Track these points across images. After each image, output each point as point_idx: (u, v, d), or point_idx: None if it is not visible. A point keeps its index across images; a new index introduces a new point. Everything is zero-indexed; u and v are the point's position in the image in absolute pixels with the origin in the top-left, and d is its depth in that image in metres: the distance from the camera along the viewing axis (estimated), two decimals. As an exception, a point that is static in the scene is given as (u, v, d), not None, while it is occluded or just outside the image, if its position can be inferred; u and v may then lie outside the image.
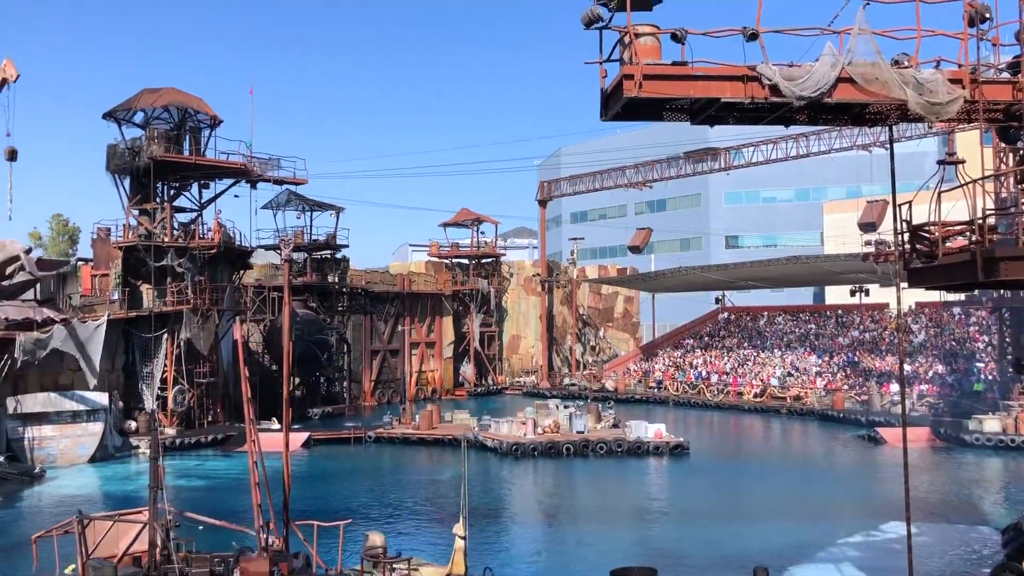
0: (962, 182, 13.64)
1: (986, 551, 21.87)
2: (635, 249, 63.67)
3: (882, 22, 12.76)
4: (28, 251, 37.77)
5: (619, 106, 12.37)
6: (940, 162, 15.87)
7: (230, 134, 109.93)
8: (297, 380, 53.61)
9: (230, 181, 46.79)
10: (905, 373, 45.71)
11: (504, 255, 74.38)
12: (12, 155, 32.99)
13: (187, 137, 44.91)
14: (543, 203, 71.96)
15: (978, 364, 50.94)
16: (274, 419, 42.26)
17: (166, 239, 43.74)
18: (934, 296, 54.69)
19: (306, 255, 57.31)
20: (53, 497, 30.39)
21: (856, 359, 56.69)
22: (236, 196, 48.27)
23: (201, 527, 21.23)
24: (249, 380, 18.33)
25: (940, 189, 13.61)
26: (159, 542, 16.38)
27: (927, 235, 13.79)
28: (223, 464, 37.26)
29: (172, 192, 45.34)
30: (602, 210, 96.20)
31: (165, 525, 16.51)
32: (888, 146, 16.09)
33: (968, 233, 13.35)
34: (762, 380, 57.26)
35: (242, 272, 50.36)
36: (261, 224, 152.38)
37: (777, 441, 46.59)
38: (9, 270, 36.44)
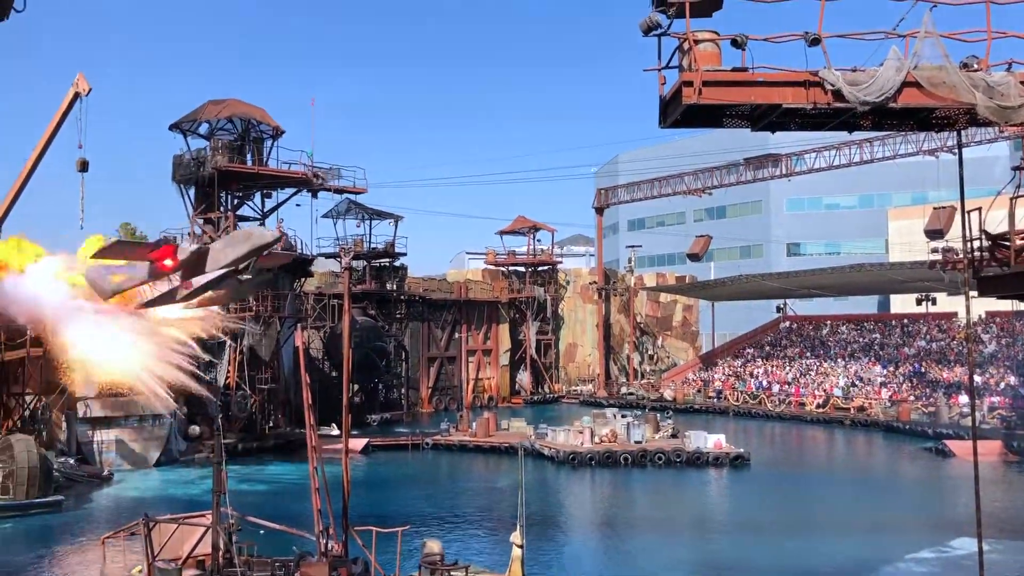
0: (1036, 188, 13.21)
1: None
2: (694, 257, 63.00)
3: (950, 24, 12.43)
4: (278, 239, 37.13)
5: (678, 113, 12.25)
6: (1016, 168, 15.42)
7: (291, 144, 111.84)
8: (356, 387, 54.19)
9: (292, 190, 47.60)
10: (975, 384, 44.45)
11: (561, 263, 74.25)
12: (84, 166, 33.99)
13: (250, 147, 45.81)
14: (600, 210, 71.68)
15: (1052, 375, 49.25)
16: (334, 425, 42.77)
17: (230, 247, 44.59)
18: (1006, 305, 53.01)
19: (365, 263, 57.97)
20: (120, 499, 31.19)
21: (923, 369, 55.25)
22: (297, 205, 49.33)
23: (262, 531, 21.57)
24: (309, 386, 18.56)
25: (1016, 195, 13.22)
26: (222, 545, 16.68)
27: (1006, 243, 13.37)
28: (284, 469, 37.80)
29: (235, 201, 46.28)
30: (660, 217, 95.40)
31: (228, 529, 16.80)
32: (956, 151, 15.68)
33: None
34: (825, 390, 56.14)
35: (303, 280, 51.11)
36: (321, 233, 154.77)
37: (840, 453, 45.62)
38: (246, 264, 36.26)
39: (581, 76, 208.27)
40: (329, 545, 16.97)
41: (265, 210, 47.52)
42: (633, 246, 76.30)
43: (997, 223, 13.09)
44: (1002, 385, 49.68)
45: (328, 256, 56.12)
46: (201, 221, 45.58)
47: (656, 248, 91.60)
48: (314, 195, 48.58)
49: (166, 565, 16.76)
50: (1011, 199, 12.92)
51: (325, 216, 57.00)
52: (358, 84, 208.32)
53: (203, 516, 18.83)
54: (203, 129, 45.87)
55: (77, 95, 33.67)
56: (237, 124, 45.65)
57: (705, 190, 61.99)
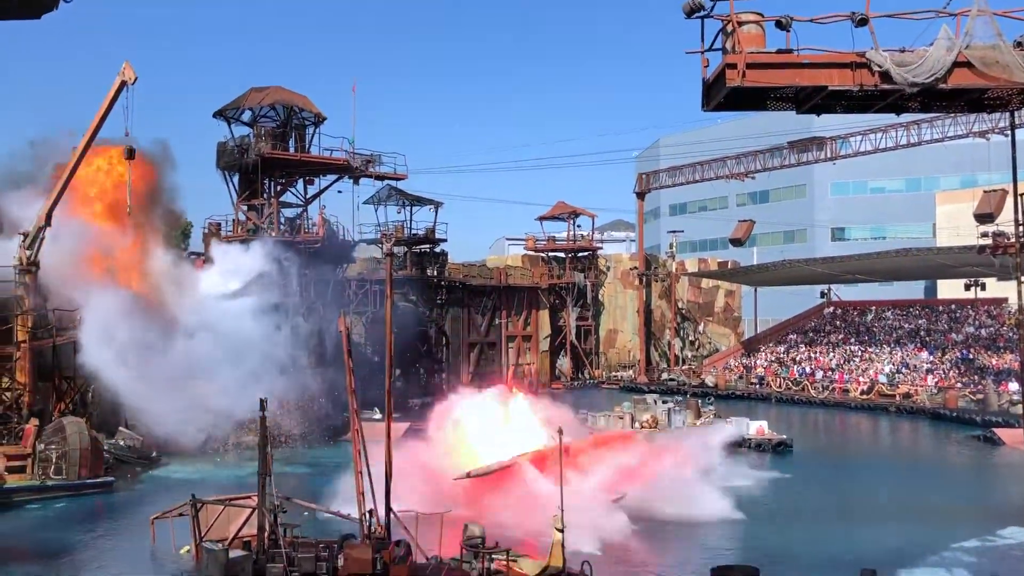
0: (1091, 170, 12.89)
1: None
2: (737, 242, 62.33)
3: (1003, 2, 12.15)
4: None
5: (721, 96, 12.13)
6: (1066, 149, 15.04)
7: (333, 131, 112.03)
8: (398, 371, 54.56)
9: (333, 177, 47.90)
10: (1025, 371, 43.49)
11: (601, 248, 73.93)
12: (131, 154, 34.61)
13: (292, 134, 46.17)
14: (641, 195, 71.20)
15: (1106, 362, 48.07)
16: (376, 409, 43.15)
17: (273, 233, 45.11)
18: (1058, 290, 51.78)
19: (406, 249, 58.22)
20: (169, 481, 31.83)
21: (971, 356, 54.23)
22: (339, 192, 49.44)
23: (307, 513, 21.91)
24: (352, 371, 18.77)
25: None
26: (267, 527, 16.97)
27: (1051, 226, 13.08)
28: (328, 452, 38.27)
29: (278, 188, 46.72)
30: (702, 202, 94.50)
31: (273, 510, 17.08)
32: (1008, 133, 15.32)
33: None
34: (870, 377, 55.37)
35: (345, 266, 51.52)
36: (363, 219, 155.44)
37: (886, 440, 45.02)
38: None
39: (623, 59, 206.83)
40: (372, 527, 17.18)
41: (307, 196, 47.93)
42: (675, 231, 75.68)
43: (1050, 206, 12.80)
44: (1054, 372, 48.66)
45: (370, 242, 56.43)
46: (245, 207, 46.11)
47: (698, 233, 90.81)
48: (355, 182, 48.86)
49: (213, 545, 17.10)
50: (1065, 181, 12.60)
51: (366, 202, 57.32)
52: (399, 70, 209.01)
53: (249, 498, 19.19)
54: (246, 116, 46.32)
55: (124, 83, 34.20)
56: (280, 111, 46.02)
57: (748, 174, 61.27)
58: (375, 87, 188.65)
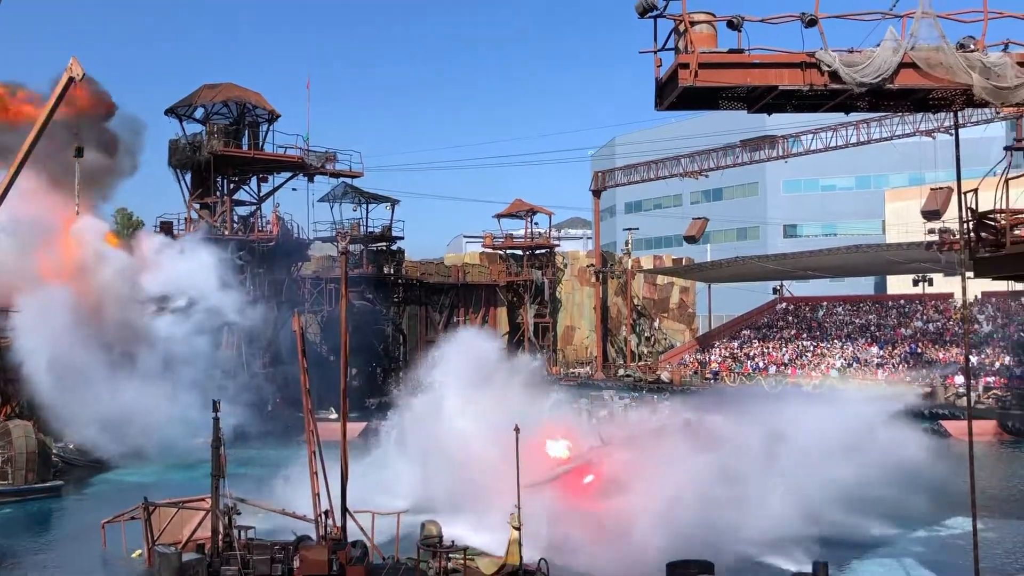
0: (1031, 168, 13.23)
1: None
2: (691, 239, 62.96)
3: (947, 5, 12.42)
4: None
5: (674, 95, 12.24)
6: (1008, 148, 15.43)
7: (287, 128, 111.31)
8: (354, 370, 54.22)
9: (288, 175, 47.50)
10: (971, 365, 44.56)
11: (558, 246, 74.17)
12: (79, 152, 33.95)
13: (246, 132, 45.68)
14: (597, 193, 71.54)
15: (1048, 355, 49.42)
16: (332, 409, 42.84)
17: (226, 232, 44.56)
18: (1001, 286, 53.08)
19: (362, 247, 57.89)
20: (120, 484, 31.28)
21: (919, 350, 55.41)
22: (294, 189, 49.10)
23: (261, 515, 21.68)
24: (307, 371, 18.61)
25: (1008, 175, 13.23)
26: (221, 529, 16.77)
27: (993, 223, 13.42)
28: (283, 453, 37.87)
29: (231, 186, 46.20)
30: (657, 200, 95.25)
31: (227, 512, 16.89)
32: (953, 132, 15.68)
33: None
34: (821, 371, 56.30)
35: (300, 264, 51.08)
36: (318, 217, 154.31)
37: (836, 432, 45.71)
38: None
39: (578, 58, 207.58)
40: (328, 528, 17.07)
41: (261, 194, 47.44)
42: (630, 228, 76.14)
43: (994, 204, 13.12)
44: (997, 365, 49.88)
45: (325, 240, 56.03)
46: (197, 206, 45.49)
47: (653, 230, 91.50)
48: (310, 179, 48.51)
49: (166, 549, 16.87)
50: (1003, 180, 12.93)
51: (321, 200, 56.90)
52: (354, 67, 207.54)
53: (203, 500, 18.94)
54: (199, 113, 45.73)
55: (71, 80, 33.53)
56: (233, 108, 45.50)
57: (701, 172, 61.87)
58: (330, 84, 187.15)
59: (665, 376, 63.78)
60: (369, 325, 54.66)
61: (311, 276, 54.43)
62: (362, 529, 18.23)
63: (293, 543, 17.25)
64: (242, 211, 47.02)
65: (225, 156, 43.81)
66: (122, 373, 35.98)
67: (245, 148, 45.18)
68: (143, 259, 39.88)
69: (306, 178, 48.18)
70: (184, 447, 36.15)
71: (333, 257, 57.34)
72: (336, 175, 50.11)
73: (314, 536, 17.39)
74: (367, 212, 58.35)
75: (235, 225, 45.51)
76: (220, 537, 16.81)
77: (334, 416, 39.86)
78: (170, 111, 45.08)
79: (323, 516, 17.20)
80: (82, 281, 36.73)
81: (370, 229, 58.05)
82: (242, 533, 17.22)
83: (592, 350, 72.47)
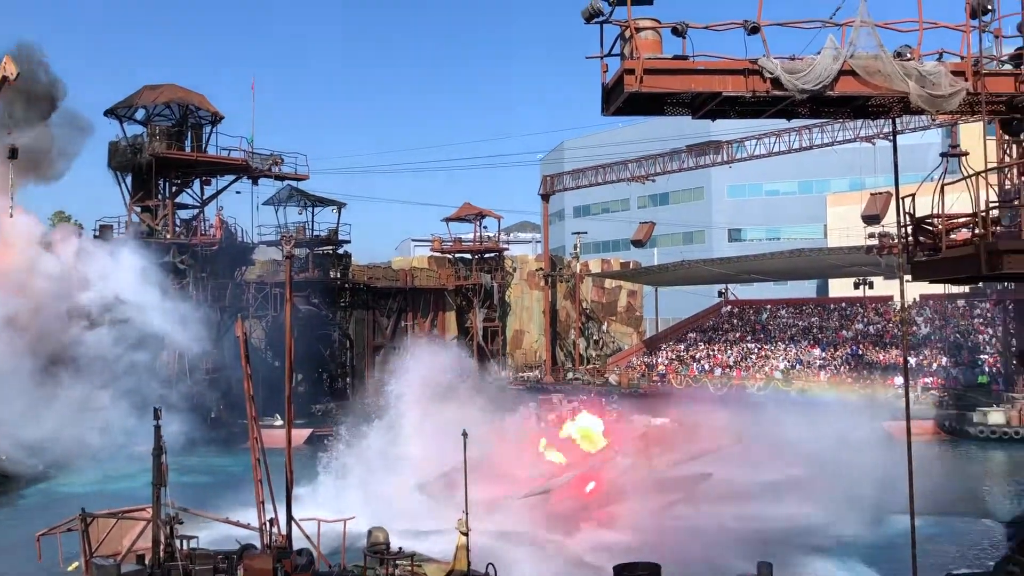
0: (965, 174, 13.57)
1: (991, 544, 21.84)
2: (638, 243, 63.52)
3: (884, 14, 12.69)
4: None
5: (620, 101, 12.33)
6: (943, 154, 15.81)
7: (231, 130, 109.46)
8: (300, 376, 53.60)
9: (232, 177, 46.84)
10: (909, 366, 45.59)
11: (507, 249, 74.24)
12: (13, 153, 33.04)
13: (188, 134, 44.92)
14: (546, 197, 71.79)
15: (982, 357, 50.81)
16: (277, 416, 42.26)
17: (168, 236, 43.73)
18: (939, 289, 54.53)
19: (308, 251, 57.25)
20: (56, 494, 30.45)
21: (860, 352, 56.58)
22: (238, 192, 48.40)
23: (205, 524, 21.26)
24: (251, 377, 18.32)
25: (944, 181, 13.55)
26: (163, 539, 16.40)
27: (930, 228, 13.73)
28: (226, 461, 37.31)
29: (174, 189, 45.37)
30: (605, 204, 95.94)
31: (168, 522, 16.53)
32: (892, 138, 16.03)
33: (972, 226, 13.30)
34: (766, 373, 57.16)
35: (244, 268, 50.33)
36: (263, 220, 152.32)
37: (780, 433, 46.41)
38: None
39: (527, 63, 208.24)
40: (273, 537, 16.81)
41: (204, 197, 46.67)
42: (579, 232, 76.58)
43: (930, 209, 13.42)
44: (935, 366, 51.16)
45: (269, 244, 55.29)
46: (139, 209, 44.58)
47: (601, 234, 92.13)
48: (255, 182, 47.87)
49: (104, 561, 16.44)
50: (939, 185, 13.25)
51: (266, 203, 56.15)
52: (300, 69, 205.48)
53: (143, 510, 18.51)
54: (140, 115, 44.85)
55: (5, 79, 32.64)
56: (175, 110, 44.70)
57: (648, 177, 62.42)
58: (276, 86, 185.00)
59: (613, 379, 64.22)
60: (315, 330, 54.08)
61: (255, 281, 53.65)
62: (308, 537, 17.99)
63: (237, 552, 16.94)
64: (185, 214, 46.23)
65: (167, 158, 43.03)
66: (54, 380, 35.05)
67: (188, 150, 44.43)
68: (66, 260, 38.84)
69: (250, 181, 47.53)
70: (123, 456, 35.38)
71: (278, 261, 56.57)
72: (281, 178, 49.51)
73: (259, 545, 17.10)
74: (313, 215, 57.74)
75: (177, 229, 44.69)
76: (161, 547, 16.41)
77: (279, 423, 39.34)
78: (110, 112, 44.11)
79: (268, 524, 16.93)
80: (14, 285, 35.78)
81: (316, 233, 57.44)
82: (184, 543, 16.84)
83: (541, 354, 72.65)
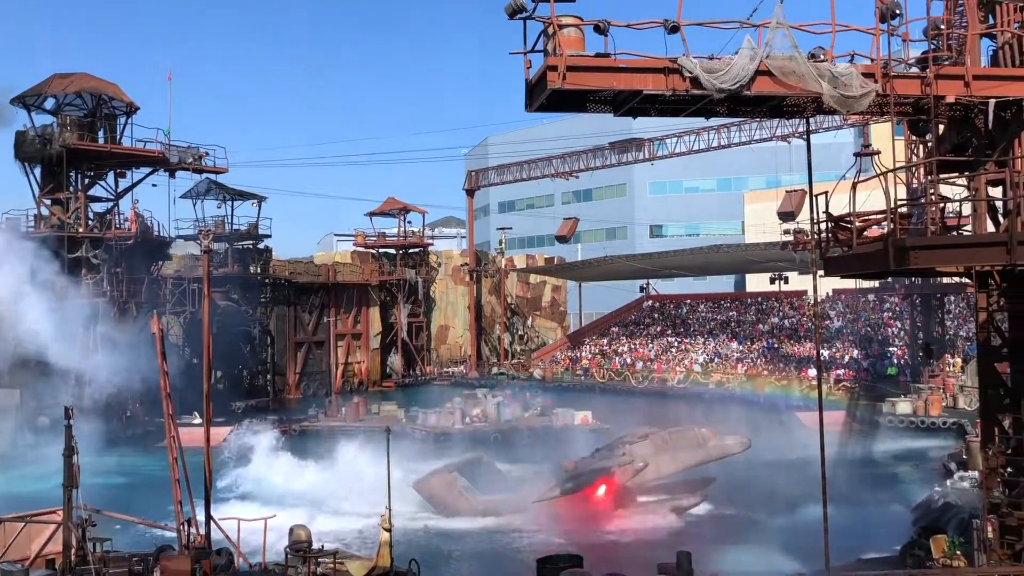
0: (876, 173, 14.07)
1: (898, 529, 22.68)
2: (562, 239, 64.08)
3: (799, 16, 13.05)
4: None
5: (544, 97, 12.39)
6: (856, 154, 16.38)
7: (147, 122, 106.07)
8: (219, 374, 52.52)
9: (147, 170, 45.59)
10: (822, 358, 47.12)
11: (432, 245, 74.07)
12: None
13: (102, 124, 43.51)
14: (471, 192, 71.80)
15: (891, 349, 52.74)
16: (196, 414, 41.32)
17: (80, 230, 42.35)
18: (850, 284, 56.38)
19: (227, 245, 56.09)
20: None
21: (776, 345, 58.11)
22: (154, 185, 47.07)
23: (119, 526, 20.68)
24: (167, 374, 17.89)
25: (856, 180, 14.02)
26: (74, 543, 15.91)
27: (847, 225, 14.19)
28: (142, 460, 36.34)
29: (86, 181, 43.93)
30: (530, 200, 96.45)
31: (80, 525, 16.04)
32: (806, 137, 16.50)
33: (882, 223, 13.78)
34: (685, 366, 58.26)
35: (160, 263, 49.10)
36: (180, 214, 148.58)
37: (699, 425, 47.36)
38: None
39: (452, 57, 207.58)
40: (191, 537, 16.45)
41: (119, 190, 45.28)
42: (503, 228, 76.89)
43: (843, 206, 13.86)
44: (847, 359, 52.90)
45: (187, 238, 53.98)
46: (48, 202, 43.00)
47: (526, 230, 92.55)
48: (172, 175, 46.66)
49: (12, 567, 15.84)
50: (853, 184, 13.70)
51: (184, 197, 54.76)
52: (218, 61, 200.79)
53: (53, 512, 17.91)
54: (49, 104, 43.24)
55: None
56: (87, 99, 43.23)
57: (572, 173, 62.99)
58: (194, 78, 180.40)
59: (538, 373, 64.64)
60: (235, 326, 53.07)
61: (173, 276, 52.32)
62: (227, 536, 17.66)
63: (153, 553, 16.54)
64: (98, 207, 44.74)
65: (79, 150, 41.61)
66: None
67: (101, 142, 43.02)
68: None
69: (167, 174, 46.32)
70: (31, 457, 34.15)
71: (196, 256, 55.33)
72: (199, 171, 48.37)
73: (177, 546, 16.72)
74: (232, 209, 56.62)
75: (90, 222, 43.26)
76: (72, 551, 15.91)
77: (198, 421, 38.48)
78: (17, 100, 42.39)
79: (185, 524, 16.56)
80: None
81: (235, 227, 56.32)
82: (97, 546, 16.35)
83: (466, 349, 72.67)
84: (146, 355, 44.94)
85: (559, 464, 27.02)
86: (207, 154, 46.78)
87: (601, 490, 24.82)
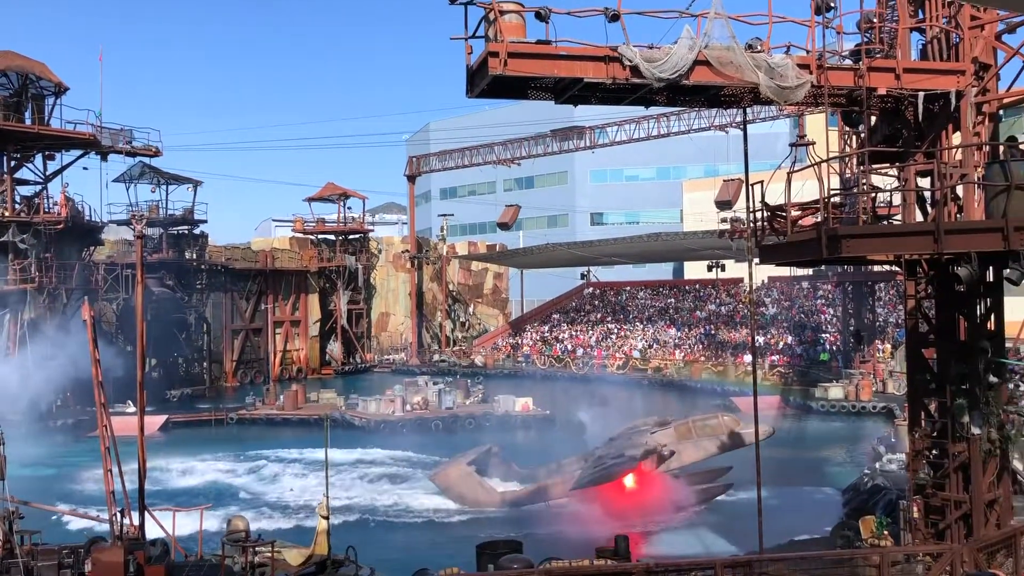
0: (811, 163, 14.36)
1: (829, 511, 23.28)
2: (504, 226, 64.10)
3: (737, 7, 13.22)
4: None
5: (485, 83, 12.36)
6: (792, 144, 16.65)
7: (78, 103, 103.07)
8: (153, 361, 51.48)
9: (78, 152, 44.26)
10: (758, 344, 48.01)
11: (372, 231, 73.42)
12: None
13: (29, 105, 42.08)
14: (412, 178, 71.34)
15: (824, 335, 54.01)
16: (129, 402, 40.48)
17: (6, 213, 41.01)
18: (785, 271, 57.53)
19: (162, 231, 54.86)
20: None
21: (713, 332, 59.08)
22: (85, 168, 45.74)
23: (55, 517, 20.21)
24: (99, 363, 17.47)
25: (791, 169, 14.29)
26: (0, 535, 15.48)
27: (781, 214, 14.46)
28: (74, 450, 35.50)
29: (13, 163, 42.50)
30: (471, 186, 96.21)
31: (8, 517, 15.62)
32: (743, 127, 16.76)
33: (815, 211, 14.09)
34: (625, 353, 58.90)
35: (92, 249, 47.84)
36: (113, 198, 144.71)
37: (639, 411, 47.99)
38: None
39: (393, 41, 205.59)
40: (124, 528, 16.12)
41: (47, 173, 43.92)
42: (445, 215, 76.57)
43: (779, 195, 14.12)
44: (781, 345, 54.03)
45: (120, 223, 52.63)
46: (-29, 184, 41.49)
47: (468, 217, 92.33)
48: (103, 158, 45.34)
49: (-65, 561, 15.37)
50: (788, 173, 13.95)
51: (116, 180, 53.29)
52: (153, 42, 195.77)
53: (-22, 505, 17.38)
54: (-29, 83, 41.64)
55: None
56: (13, 79, 41.74)
57: (514, 160, 63.00)
58: (127, 59, 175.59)
59: (479, 360, 64.72)
60: (170, 313, 52.04)
61: (105, 261, 51.01)
62: (162, 527, 17.36)
63: (85, 545, 16.16)
64: (26, 191, 43.36)
65: (4, 131, 40.19)
66: None
67: (28, 123, 41.63)
68: None
69: (99, 156, 45.01)
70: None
71: (129, 241, 54.04)
72: (132, 154, 47.07)
73: (109, 537, 16.37)
74: (167, 194, 55.34)
75: (17, 206, 41.91)
76: None
77: (132, 409, 37.70)
78: (-63, 78, 40.80)
79: (118, 515, 16.21)
80: None
81: (170, 212, 55.09)
82: (25, 539, 15.92)
83: (407, 336, 72.35)
84: (77, 342, 43.94)
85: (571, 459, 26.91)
86: (131, 135, 45.39)
87: (629, 479, 24.48)
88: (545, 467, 27.44)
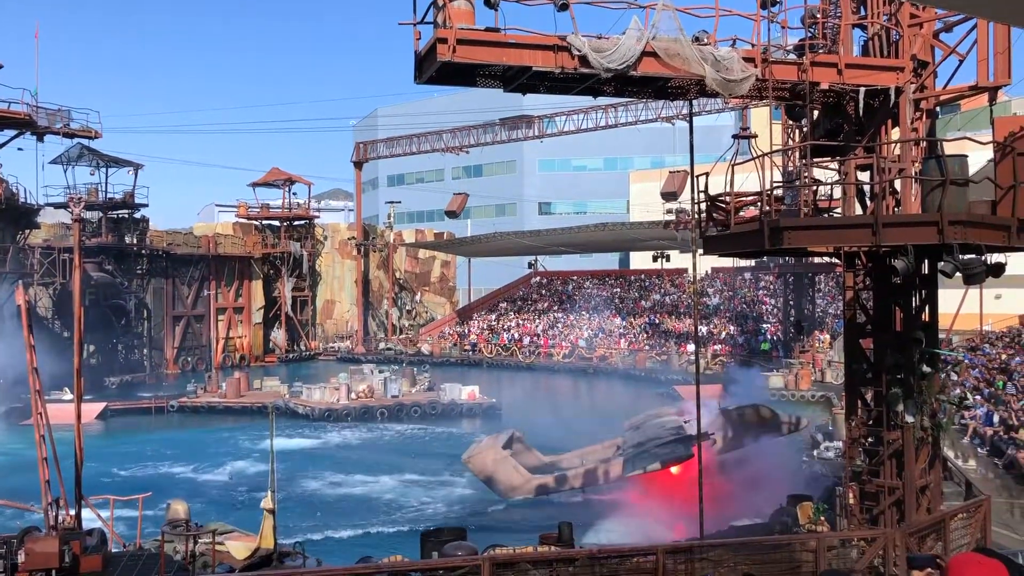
0: (754, 155, 14.59)
1: (768, 496, 23.70)
2: (452, 214, 63.91)
3: (684, 0, 13.33)
4: None
5: (433, 70, 12.29)
6: (735, 136, 16.90)
7: (12, 81, 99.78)
8: (91, 348, 50.34)
9: (12, 133, 42.91)
10: (700, 334, 48.67)
11: (318, 217, 72.62)
12: None
13: (-41, 82, 40.73)
14: (359, 165, 70.68)
15: (765, 325, 55.01)
16: (66, 389, 39.53)
17: (-64, 194, 39.67)
18: (728, 262, 58.41)
19: (101, 214, 53.58)
20: None
21: (657, 321, 59.75)
22: (20, 149, 44.31)
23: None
24: (34, 348, 17.03)
25: (734, 161, 14.50)
26: (-70, 526, 15.01)
27: (722, 205, 14.68)
28: (7, 439, 34.59)
29: (-57, 143, 41.08)
30: (419, 174, 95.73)
31: (-63, 508, 15.15)
32: (689, 119, 16.94)
33: (758, 203, 14.32)
34: (571, 342, 59.28)
35: (28, 232, 46.54)
36: (50, 180, 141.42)
37: (584, 399, 48.42)
38: None
39: (341, 25, 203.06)
40: (60, 517, 15.77)
41: (-20, 153, 42.53)
42: (392, 202, 76.06)
43: (722, 187, 14.33)
44: (724, 334, 54.89)
45: (57, 206, 51.25)
46: (-102, 163, 40.00)
47: (415, 204, 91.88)
48: (40, 138, 44.03)
49: None
50: (730, 165, 14.15)
51: (53, 162, 51.83)
52: (92, 21, 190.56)
53: (-95, 495, 16.87)
54: (-102, 57, 40.11)
55: None
56: (-58, 54, 40.35)
57: (462, 148, 62.79)
58: (65, 36, 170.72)
59: (425, 349, 64.56)
60: (109, 298, 50.93)
61: (41, 245, 49.66)
62: (99, 516, 17.03)
63: (18, 535, 15.76)
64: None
65: (-66, 108, 38.87)
66: None
67: (-41, 100, 40.26)
68: None
69: (35, 137, 43.71)
70: None
71: (67, 225, 52.62)
72: (70, 135, 45.81)
73: (44, 527, 15.99)
74: (106, 176, 54.01)
75: (-53, 186, 40.56)
76: (-72, 535, 15.02)
77: (68, 397, 36.83)
78: None
79: (53, 504, 15.84)
80: None
81: (110, 195, 53.80)
82: (-44, 529, 15.49)
83: (353, 324, 71.81)
84: (11, 328, 42.77)
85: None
86: (62, 114, 44.11)
87: (675, 469, 24.07)
88: (568, 454, 27.03)
